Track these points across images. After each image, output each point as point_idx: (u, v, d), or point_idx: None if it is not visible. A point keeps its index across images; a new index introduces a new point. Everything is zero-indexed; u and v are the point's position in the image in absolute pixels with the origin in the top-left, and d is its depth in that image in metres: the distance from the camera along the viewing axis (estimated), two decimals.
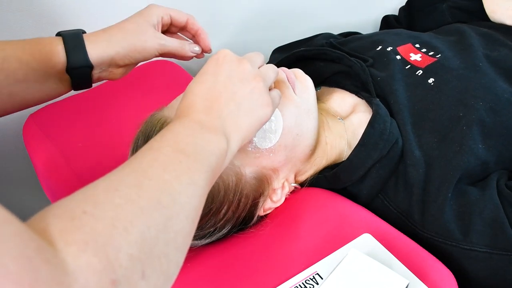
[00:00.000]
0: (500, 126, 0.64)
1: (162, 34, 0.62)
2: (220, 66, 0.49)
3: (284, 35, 1.01)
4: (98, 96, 0.90)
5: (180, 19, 0.64)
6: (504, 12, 0.87)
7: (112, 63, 0.59)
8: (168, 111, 0.60)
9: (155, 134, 0.57)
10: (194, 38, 0.67)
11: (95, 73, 0.59)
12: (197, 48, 0.65)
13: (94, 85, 0.62)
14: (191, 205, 0.37)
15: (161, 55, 0.62)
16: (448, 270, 0.54)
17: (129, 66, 0.63)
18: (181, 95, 0.63)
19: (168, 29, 0.66)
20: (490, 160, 0.63)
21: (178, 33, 0.68)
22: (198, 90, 0.47)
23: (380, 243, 0.55)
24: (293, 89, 0.63)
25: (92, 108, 0.87)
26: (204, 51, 0.67)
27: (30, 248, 0.25)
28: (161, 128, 0.57)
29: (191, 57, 0.66)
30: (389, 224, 0.60)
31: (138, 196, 0.33)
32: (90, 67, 0.57)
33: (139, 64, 0.65)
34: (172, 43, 0.62)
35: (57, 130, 0.83)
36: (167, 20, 0.63)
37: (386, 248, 0.54)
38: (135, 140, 0.61)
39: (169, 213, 0.34)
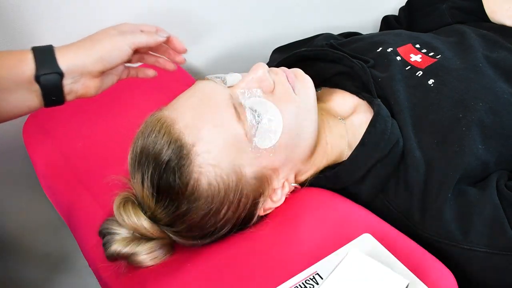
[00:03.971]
0: (500, 126, 0.64)
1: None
2: None
3: (284, 35, 1.01)
4: (98, 96, 0.90)
5: (151, 28, 0.64)
6: (504, 13, 0.87)
7: (85, 72, 0.57)
8: (168, 111, 0.60)
9: (155, 134, 0.57)
10: (168, 43, 0.66)
11: (67, 83, 0.56)
12: (164, 34, 0.64)
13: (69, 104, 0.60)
14: None
15: (136, 53, 0.61)
16: (448, 270, 0.54)
17: (104, 78, 0.61)
18: (181, 94, 0.63)
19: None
20: (490, 161, 0.63)
21: (150, 52, 0.69)
22: None
23: (380, 243, 0.55)
24: (293, 89, 0.63)
25: (92, 108, 0.86)
26: (179, 51, 0.67)
27: None
28: (161, 128, 0.58)
29: (174, 66, 0.69)
30: (389, 224, 0.60)
31: None
32: (59, 73, 0.55)
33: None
34: (142, 36, 0.60)
35: (57, 130, 0.83)
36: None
37: (386, 248, 0.54)
38: (135, 140, 0.61)
39: None
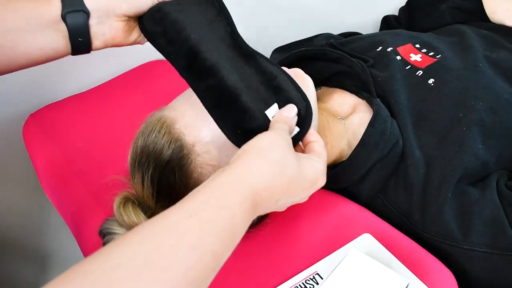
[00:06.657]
0: (500, 126, 0.64)
1: None
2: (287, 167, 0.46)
3: (284, 35, 1.01)
4: (98, 96, 0.90)
5: None
6: (504, 13, 0.87)
7: (110, 12, 0.55)
8: (168, 111, 0.60)
9: (155, 134, 0.57)
10: None
11: (93, 24, 0.55)
12: None
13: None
14: None
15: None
16: (448, 270, 0.54)
17: (130, 21, 0.57)
18: (181, 94, 0.63)
19: None
20: (490, 160, 0.63)
21: None
22: (265, 172, 0.44)
23: (380, 243, 0.55)
24: None
25: (92, 108, 0.86)
26: None
27: None
28: (161, 128, 0.57)
29: None
30: (389, 224, 0.60)
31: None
32: (86, 12, 0.53)
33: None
34: None
35: (57, 130, 0.83)
36: None
37: (386, 248, 0.54)
38: (135, 140, 0.61)
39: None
